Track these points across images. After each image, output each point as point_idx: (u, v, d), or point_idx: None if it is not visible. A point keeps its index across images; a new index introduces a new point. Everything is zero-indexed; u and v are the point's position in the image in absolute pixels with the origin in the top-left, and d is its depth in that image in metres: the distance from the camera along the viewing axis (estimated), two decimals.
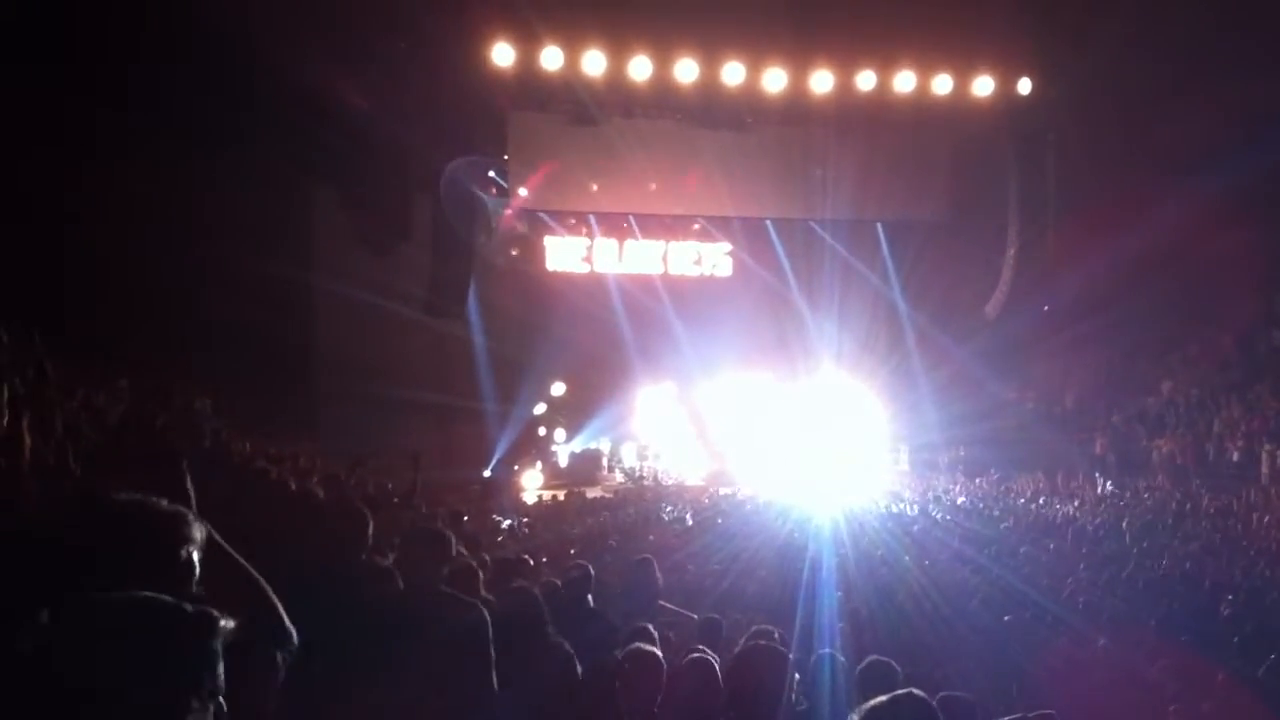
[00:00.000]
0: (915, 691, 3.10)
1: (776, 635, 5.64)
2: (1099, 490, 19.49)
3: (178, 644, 1.75)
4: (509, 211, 24.37)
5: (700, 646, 5.23)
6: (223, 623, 1.87)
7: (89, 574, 2.06)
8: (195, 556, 2.17)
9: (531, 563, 8.13)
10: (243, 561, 2.39)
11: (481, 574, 5.77)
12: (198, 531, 2.19)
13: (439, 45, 19.78)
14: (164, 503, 2.25)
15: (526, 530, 14.41)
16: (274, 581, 2.44)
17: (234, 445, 9.83)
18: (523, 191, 23.74)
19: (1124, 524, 14.75)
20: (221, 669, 1.79)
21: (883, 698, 3.19)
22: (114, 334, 14.52)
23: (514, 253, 25.65)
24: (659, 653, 4.48)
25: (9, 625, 1.97)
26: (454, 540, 4.82)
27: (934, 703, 3.26)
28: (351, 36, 18.09)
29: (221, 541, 2.39)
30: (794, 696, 4.57)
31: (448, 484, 17.65)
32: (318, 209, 21.17)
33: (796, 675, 4.65)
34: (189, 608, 1.84)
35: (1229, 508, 16.15)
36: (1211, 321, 22.64)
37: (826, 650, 5.39)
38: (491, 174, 23.71)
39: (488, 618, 4.18)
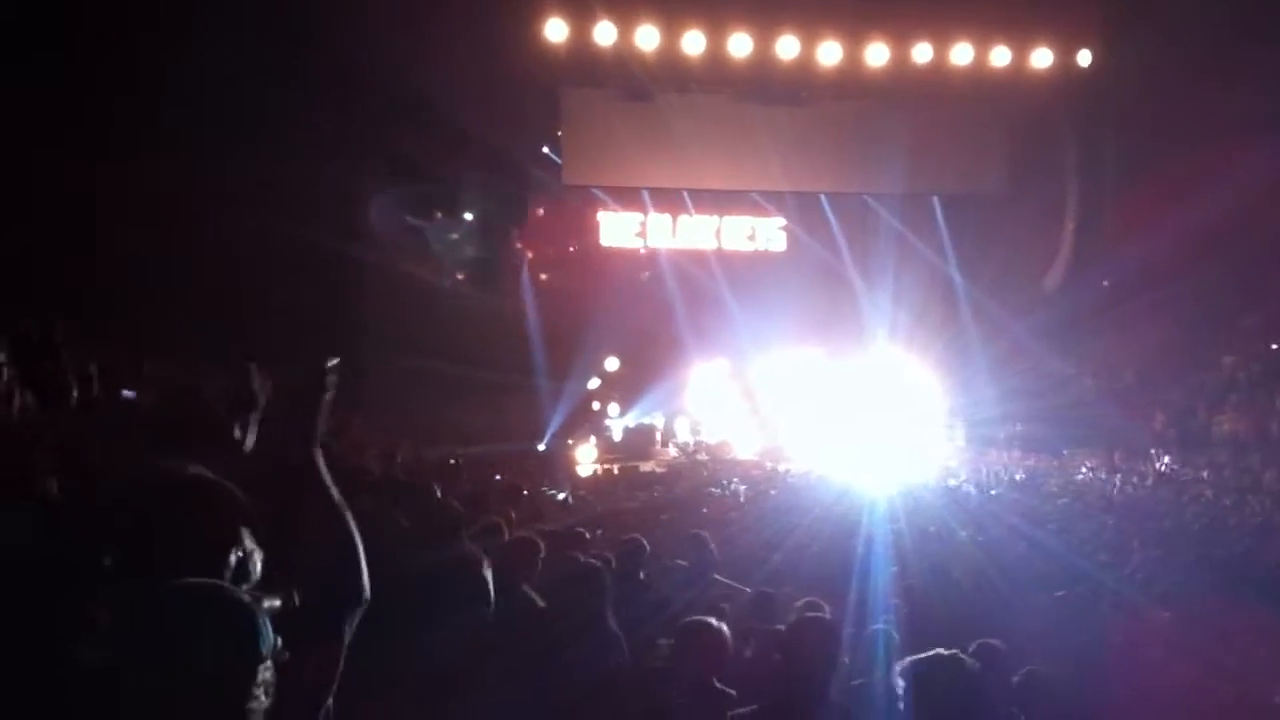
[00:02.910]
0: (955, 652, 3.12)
1: (826, 610, 5.63)
2: (1159, 466, 19.23)
3: (233, 637, 1.78)
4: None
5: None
6: (266, 604, 1.88)
7: (149, 549, 2.09)
8: (249, 536, 2.19)
9: (587, 536, 8.16)
10: (343, 509, 2.39)
11: (542, 546, 5.79)
12: (250, 510, 2.21)
13: (491, 21, 19.77)
14: (222, 482, 2.28)
15: (581, 503, 14.49)
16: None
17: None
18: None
19: (1184, 500, 14.56)
20: (271, 653, 1.81)
21: (925, 655, 3.21)
22: (163, 312, 14.71)
23: (568, 229, 25.66)
24: (720, 625, 4.48)
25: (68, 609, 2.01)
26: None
27: (968, 658, 3.27)
28: (402, 12, 18.14)
29: (327, 482, 2.39)
30: (847, 671, 4.57)
31: (502, 457, 17.80)
32: (367, 182, 21.29)
33: (849, 651, 4.65)
34: (242, 599, 1.86)
35: None
36: (1274, 296, 22.19)
37: (880, 625, 5.37)
38: (545, 150, 23.74)
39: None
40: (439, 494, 5.13)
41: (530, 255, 24.92)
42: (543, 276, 24.89)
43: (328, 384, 2.45)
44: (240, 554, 2.16)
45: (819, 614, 4.96)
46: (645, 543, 6.78)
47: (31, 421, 4.05)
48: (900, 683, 3.34)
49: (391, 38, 17.87)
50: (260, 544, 2.21)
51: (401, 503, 4.74)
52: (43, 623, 2.04)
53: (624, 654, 4.86)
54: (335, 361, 2.47)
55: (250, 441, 2.70)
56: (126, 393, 6.52)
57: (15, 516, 2.60)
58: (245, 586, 2.11)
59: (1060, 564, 9.65)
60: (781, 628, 5.16)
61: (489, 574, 4.15)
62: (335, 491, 2.38)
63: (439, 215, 22.60)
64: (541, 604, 4.93)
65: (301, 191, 17.42)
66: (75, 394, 4.75)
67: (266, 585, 2.16)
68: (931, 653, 3.44)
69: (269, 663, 1.82)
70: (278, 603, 2.04)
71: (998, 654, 4.54)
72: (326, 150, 18.36)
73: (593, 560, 5.52)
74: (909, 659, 3.43)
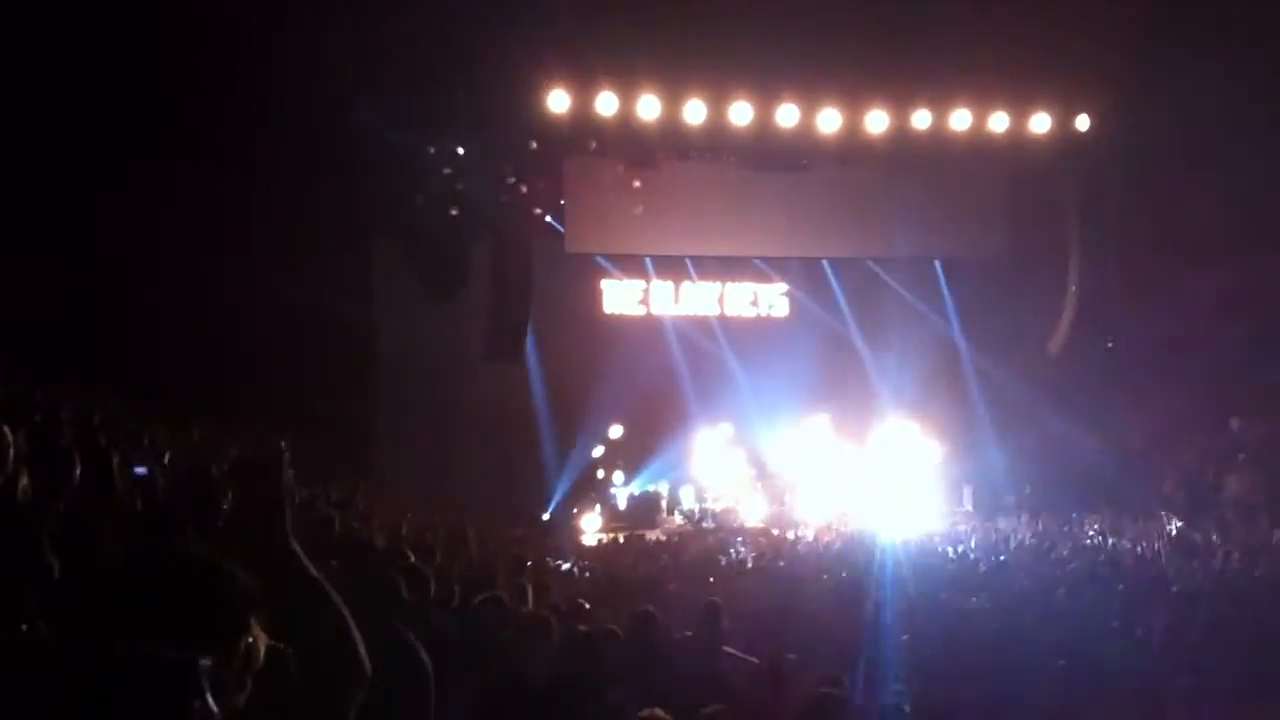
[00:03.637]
0: None
1: (845, 682, 5.57)
2: (1168, 529, 19.10)
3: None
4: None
5: None
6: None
7: (148, 629, 2.06)
8: (252, 621, 2.16)
9: (587, 606, 8.08)
10: (330, 591, 2.38)
11: (555, 624, 5.73)
12: (253, 588, 2.19)
13: (494, 93, 20.01)
14: (231, 564, 2.26)
15: (587, 574, 14.39)
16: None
17: (297, 491, 9.90)
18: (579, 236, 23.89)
19: (1195, 564, 14.42)
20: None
21: None
22: (176, 380, 14.75)
23: (571, 297, 25.75)
24: None
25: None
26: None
27: None
28: (409, 84, 18.36)
29: (309, 567, 2.38)
30: None
31: (507, 526, 17.73)
32: (377, 253, 21.43)
33: None
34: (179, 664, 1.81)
35: None
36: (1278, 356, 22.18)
37: (891, 701, 5.31)
38: (548, 219, 23.90)
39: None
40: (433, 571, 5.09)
41: (534, 324, 24.99)
42: (547, 344, 24.95)
43: (284, 474, 2.45)
44: (250, 639, 2.13)
45: (834, 690, 4.90)
46: (656, 613, 6.72)
47: (35, 502, 4.03)
48: None
49: (397, 109, 18.08)
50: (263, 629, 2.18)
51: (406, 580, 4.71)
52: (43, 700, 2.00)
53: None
54: (286, 451, 2.49)
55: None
56: (139, 469, 6.51)
57: (18, 598, 2.58)
58: (249, 673, 2.08)
59: (1072, 631, 9.55)
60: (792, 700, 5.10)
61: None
62: (316, 574, 2.38)
63: (445, 285, 22.65)
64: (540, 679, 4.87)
65: (313, 257, 17.54)
66: (78, 471, 4.71)
67: (271, 671, 2.13)
68: None
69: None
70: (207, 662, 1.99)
71: None
72: (336, 216, 18.50)
73: (591, 632, 5.46)
74: None
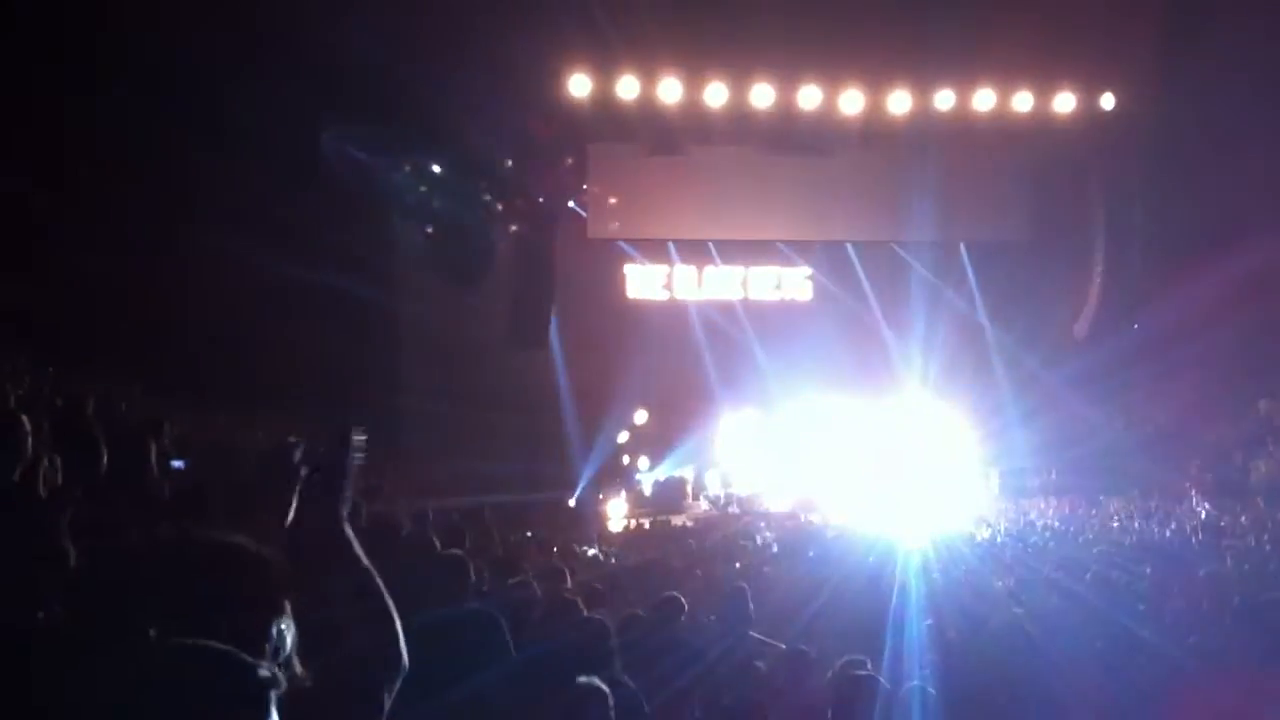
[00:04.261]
0: None
1: (868, 665, 5.56)
2: (1196, 512, 19.00)
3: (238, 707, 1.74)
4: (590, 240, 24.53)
5: None
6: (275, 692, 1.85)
7: (182, 615, 2.07)
8: (286, 602, 2.18)
9: (600, 589, 8.08)
10: (377, 580, 2.40)
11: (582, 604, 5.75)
12: (287, 576, 2.20)
13: (516, 78, 20.00)
14: (265, 549, 2.27)
15: (613, 560, 14.41)
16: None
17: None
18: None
19: (1223, 547, 14.34)
20: None
21: None
22: (195, 364, 14.83)
23: (595, 282, 25.78)
24: None
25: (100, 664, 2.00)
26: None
27: None
28: (432, 71, 18.37)
29: (359, 552, 2.40)
30: None
31: (533, 510, 17.78)
32: (403, 236, 21.49)
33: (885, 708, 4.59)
34: (252, 666, 1.82)
35: None
36: None
37: (916, 683, 5.30)
38: (571, 204, 23.94)
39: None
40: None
41: (558, 308, 25.02)
42: (571, 329, 25.00)
43: (354, 457, 2.47)
44: (281, 626, 2.15)
45: (863, 671, 4.91)
46: (682, 599, 6.73)
47: (57, 491, 4.07)
48: None
49: (423, 94, 18.09)
50: (297, 616, 2.20)
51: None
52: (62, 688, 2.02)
53: (639, 703, 4.80)
54: (362, 435, 2.50)
55: (289, 516, 2.71)
56: (176, 463, 6.56)
57: (40, 588, 2.61)
58: (280, 659, 2.10)
59: (1098, 615, 9.51)
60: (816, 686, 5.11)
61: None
62: (366, 561, 2.39)
63: (469, 270, 22.72)
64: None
65: (339, 243, 17.59)
66: (105, 460, 4.76)
67: (303, 658, 2.14)
68: None
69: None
70: (269, 673, 2.00)
71: None
72: (359, 200, 18.55)
73: (595, 615, 5.46)
74: None
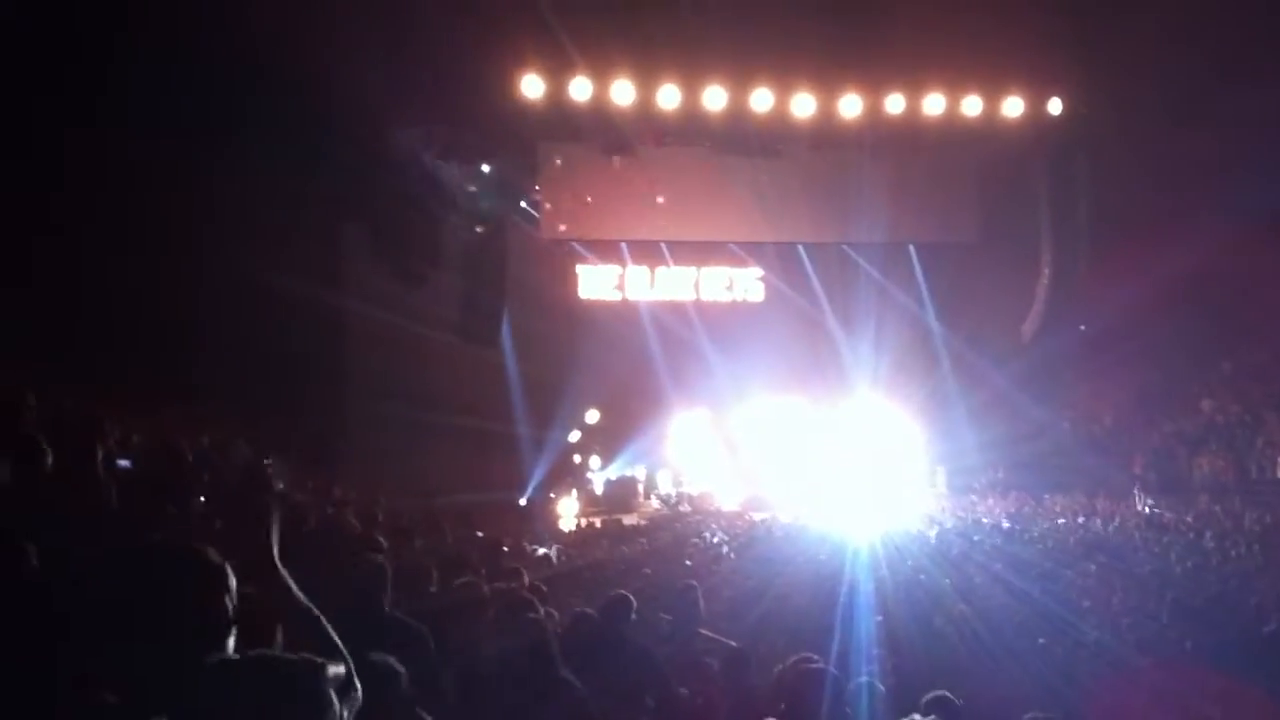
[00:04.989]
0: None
1: (818, 663, 5.63)
2: (1140, 510, 19.30)
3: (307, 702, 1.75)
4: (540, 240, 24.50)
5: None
6: (331, 672, 1.86)
7: (131, 620, 2.07)
8: (233, 606, 2.18)
9: (545, 589, 8.07)
10: (312, 608, 2.38)
11: (539, 603, 5.75)
12: (233, 581, 2.20)
13: (468, 77, 19.93)
14: (209, 551, 2.27)
15: (564, 559, 14.41)
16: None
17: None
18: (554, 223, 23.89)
19: (1166, 543, 14.59)
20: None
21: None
22: (140, 364, 14.64)
23: (545, 281, 25.75)
24: None
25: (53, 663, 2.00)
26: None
27: None
28: (382, 67, 18.26)
29: (292, 585, 2.38)
30: None
31: (483, 509, 17.72)
32: (350, 236, 21.33)
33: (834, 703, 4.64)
34: (311, 664, 1.84)
35: (1274, 525, 15.96)
36: (1251, 338, 22.40)
37: (865, 678, 5.36)
38: (523, 204, 23.91)
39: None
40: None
41: (510, 307, 24.97)
42: (523, 328, 24.96)
43: (272, 505, 2.46)
44: (228, 604, 2.15)
45: (818, 666, 4.95)
46: (631, 598, 6.75)
47: (11, 493, 4.02)
48: None
49: (373, 94, 17.98)
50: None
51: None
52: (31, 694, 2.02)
53: (580, 698, 4.82)
54: (269, 463, 2.50)
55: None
56: (122, 462, 6.49)
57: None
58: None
59: (1043, 611, 9.66)
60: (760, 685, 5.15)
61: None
62: (307, 603, 2.38)
63: (418, 267, 22.63)
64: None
65: (283, 239, 17.42)
66: (50, 459, 4.70)
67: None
68: None
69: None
70: (341, 669, 2.02)
71: None
72: (304, 198, 18.38)
73: (541, 616, 5.47)
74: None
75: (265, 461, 11.06)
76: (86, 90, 14.62)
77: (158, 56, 15.30)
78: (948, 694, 4.94)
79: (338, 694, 1.89)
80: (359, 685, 2.29)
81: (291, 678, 1.81)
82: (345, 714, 2.20)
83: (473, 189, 22.83)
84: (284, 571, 2.40)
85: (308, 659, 1.84)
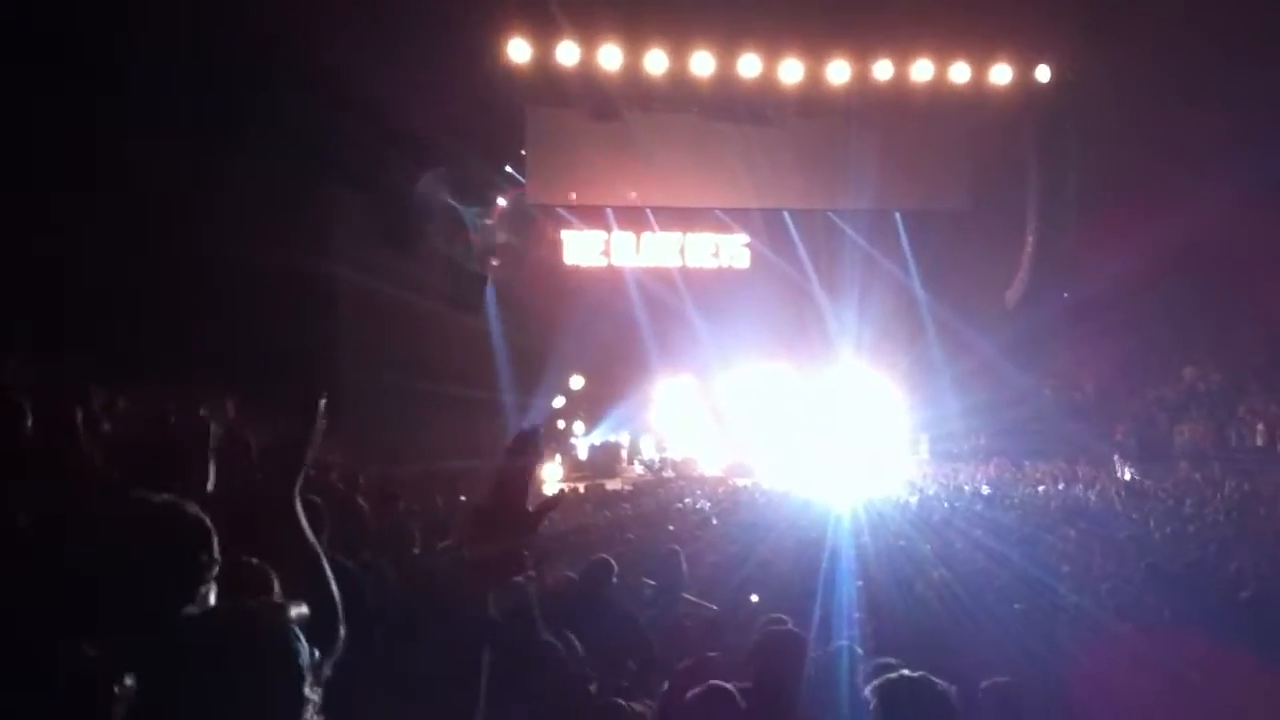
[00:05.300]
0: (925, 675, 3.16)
1: (789, 624, 5.66)
2: (1121, 476, 19.42)
3: (270, 660, 1.76)
4: (527, 205, 24.43)
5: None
6: (294, 613, 1.87)
7: (120, 576, 2.09)
8: (215, 560, 2.19)
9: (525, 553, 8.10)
10: (318, 550, 2.39)
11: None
12: (214, 538, 2.21)
13: (455, 41, 19.79)
14: (191, 507, 2.28)
15: (547, 523, 14.44)
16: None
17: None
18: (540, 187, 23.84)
19: (1146, 510, 14.70)
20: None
21: (892, 675, 3.26)
22: (130, 334, 14.60)
23: (531, 247, 25.69)
24: None
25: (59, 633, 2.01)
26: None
27: (939, 683, 3.32)
28: (367, 30, 18.13)
29: (305, 525, 2.39)
30: (813, 686, 4.59)
31: (468, 476, 17.73)
32: (336, 202, 21.23)
33: (813, 667, 4.67)
34: (273, 606, 1.85)
35: (1253, 492, 16.08)
36: (1233, 307, 22.51)
37: (844, 642, 5.40)
38: (508, 169, 23.80)
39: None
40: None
41: (495, 269, 24.91)
42: (507, 294, 24.92)
43: (318, 429, 2.46)
44: (205, 588, 2.17)
45: (792, 629, 4.98)
46: (612, 561, 6.79)
47: None
48: (872, 700, 3.37)
49: (356, 57, 17.84)
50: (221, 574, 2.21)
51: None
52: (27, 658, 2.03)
53: (561, 660, 4.85)
54: (324, 403, 2.49)
55: (211, 480, 2.70)
56: (106, 427, 6.48)
57: None
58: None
59: (1023, 576, 9.73)
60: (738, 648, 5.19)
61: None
62: (312, 536, 2.39)
63: (404, 235, 22.58)
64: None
65: (269, 208, 17.34)
66: (29, 424, 4.68)
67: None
68: (898, 674, 3.48)
69: (310, 679, 1.80)
70: (305, 610, 2.03)
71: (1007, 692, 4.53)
72: (293, 167, 18.28)
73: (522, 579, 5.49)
74: (881, 678, 3.47)
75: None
76: (85, 65, 14.56)
77: (159, 31, 15.25)
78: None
79: (311, 635, 1.90)
80: (342, 632, 2.30)
81: (252, 621, 1.82)
82: (319, 657, 2.23)
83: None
84: (303, 520, 2.41)
85: (269, 602, 1.86)
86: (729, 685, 4.21)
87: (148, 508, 2.25)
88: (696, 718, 4.09)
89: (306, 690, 1.79)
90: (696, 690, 4.18)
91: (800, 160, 23.98)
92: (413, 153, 20.93)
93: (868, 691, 3.39)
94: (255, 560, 2.59)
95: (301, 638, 1.82)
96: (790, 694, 4.18)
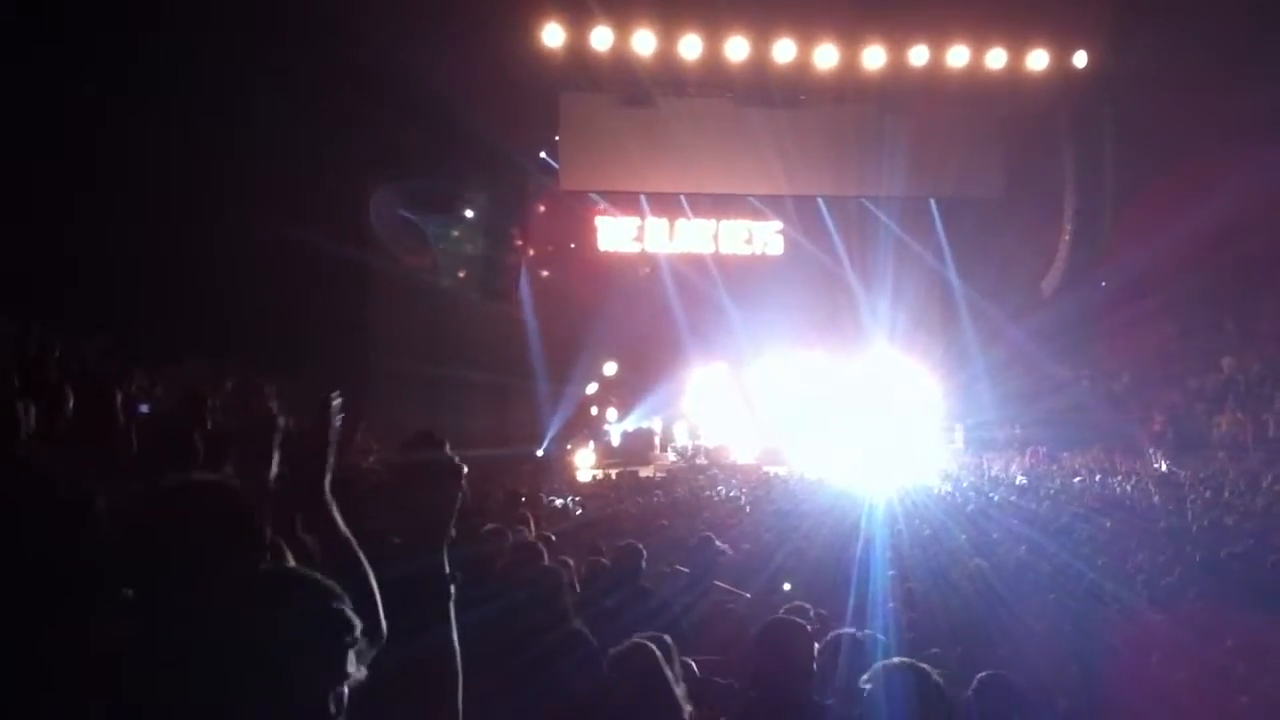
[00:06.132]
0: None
1: (810, 613, 5.64)
2: (1157, 467, 19.23)
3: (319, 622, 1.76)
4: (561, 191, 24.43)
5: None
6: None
7: (170, 558, 2.09)
8: (261, 544, 2.20)
9: (553, 538, 8.08)
10: (354, 544, 2.38)
11: (545, 551, 5.75)
12: (264, 521, 2.22)
13: (489, 27, 19.79)
14: (235, 486, 2.28)
15: (580, 510, 14.46)
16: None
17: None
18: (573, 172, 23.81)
19: (1184, 500, 14.55)
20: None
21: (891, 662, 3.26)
22: (167, 317, 14.73)
23: (566, 233, 25.71)
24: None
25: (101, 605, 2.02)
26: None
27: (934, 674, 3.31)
28: (404, 18, 18.16)
29: (337, 518, 2.39)
30: (843, 675, 4.55)
31: (502, 462, 17.78)
32: (369, 184, 21.31)
33: (846, 655, 4.64)
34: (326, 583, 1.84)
35: None
36: (1272, 297, 22.22)
37: (870, 631, 5.37)
38: (542, 155, 23.80)
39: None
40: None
41: (529, 256, 24.95)
42: (542, 277, 24.96)
43: (334, 424, 2.45)
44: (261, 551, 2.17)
45: (791, 617, 4.95)
46: (642, 548, 6.77)
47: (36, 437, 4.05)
48: (866, 687, 3.37)
49: (391, 41, 17.88)
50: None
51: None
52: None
53: (593, 651, 4.82)
54: (338, 399, 2.48)
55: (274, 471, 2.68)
56: (143, 407, 6.52)
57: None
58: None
59: (1059, 566, 9.66)
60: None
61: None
62: (344, 527, 2.38)
63: (440, 213, 22.66)
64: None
65: (303, 195, 17.43)
66: (72, 404, 4.72)
67: None
68: (897, 661, 3.48)
69: (354, 655, 1.79)
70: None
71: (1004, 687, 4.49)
72: (328, 152, 18.37)
73: (552, 563, 5.46)
74: (878, 664, 3.47)
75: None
76: (117, 47, 14.68)
77: (203, 26, 15.37)
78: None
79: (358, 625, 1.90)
80: (384, 627, 2.29)
81: (305, 580, 1.82)
82: (365, 646, 2.22)
83: (455, 235, 23.10)
84: (333, 507, 2.40)
85: (324, 582, 1.85)
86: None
87: (195, 487, 2.25)
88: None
89: (349, 666, 1.78)
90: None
91: (834, 146, 23.86)
92: (449, 137, 20.96)
93: (861, 681, 3.39)
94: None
95: (352, 612, 1.81)
96: (793, 681, 4.15)
